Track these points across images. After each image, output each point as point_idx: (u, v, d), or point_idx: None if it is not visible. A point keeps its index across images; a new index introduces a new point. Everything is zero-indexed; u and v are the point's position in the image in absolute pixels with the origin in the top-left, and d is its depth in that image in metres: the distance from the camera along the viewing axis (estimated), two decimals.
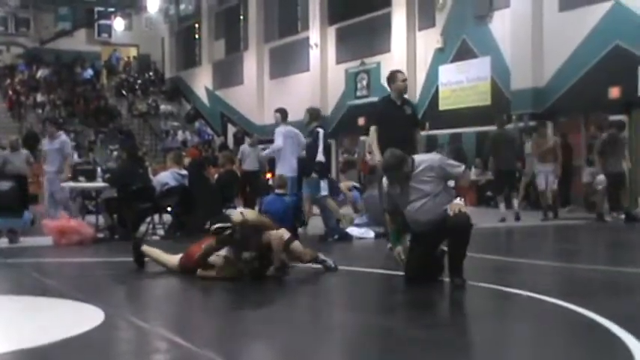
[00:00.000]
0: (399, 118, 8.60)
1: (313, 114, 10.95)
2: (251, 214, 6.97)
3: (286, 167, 11.09)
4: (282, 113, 11.44)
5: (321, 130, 10.60)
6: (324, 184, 10.52)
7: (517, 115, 17.38)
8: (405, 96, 9.11)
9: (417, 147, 8.56)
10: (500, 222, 12.46)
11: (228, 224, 6.56)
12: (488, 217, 12.54)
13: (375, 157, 8.38)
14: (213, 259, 6.59)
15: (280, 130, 11.24)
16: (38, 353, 4.02)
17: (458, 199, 5.95)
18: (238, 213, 6.77)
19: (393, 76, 8.87)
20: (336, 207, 10.99)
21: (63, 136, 12.95)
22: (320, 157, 10.43)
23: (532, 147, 14.13)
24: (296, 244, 6.74)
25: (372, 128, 8.64)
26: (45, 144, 12.93)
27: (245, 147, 15.41)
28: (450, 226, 5.86)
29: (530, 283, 6.29)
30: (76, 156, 28.37)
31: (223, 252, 6.55)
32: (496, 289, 6.02)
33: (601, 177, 12.91)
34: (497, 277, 6.71)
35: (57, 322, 4.97)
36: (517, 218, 12.73)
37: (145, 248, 7.35)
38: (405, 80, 8.92)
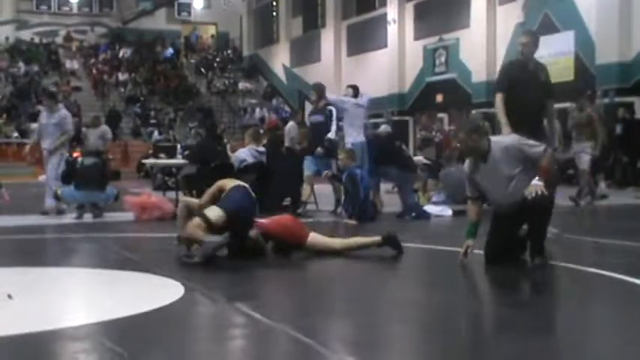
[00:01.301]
0: (529, 84, 7.56)
1: (320, 91, 10.95)
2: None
3: (356, 134, 10.87)
4: (354, 89, 11.26)
5: (334, 109, 10.66)
6: (310, 163, 10.76)
7: (602, 91, 16.85)
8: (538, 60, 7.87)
9: (553, 119, 7.79)
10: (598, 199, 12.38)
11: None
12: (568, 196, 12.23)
13: (503, 129, 7.29)
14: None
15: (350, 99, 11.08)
16: (119, 325, 4.10)
17: (536, 179, 5.78)
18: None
19: None
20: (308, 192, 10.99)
21: (63, 111, 11.43)
22: (332, 134, 10.61)
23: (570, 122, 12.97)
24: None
25: (498, 96, 7.57)
26: (42, 117, 11.37)
27: (292, 125, 14.80)
28: (530, 207, 5.71)
29: (613, 263, 6.09)
30: (156, 133, 29.05)
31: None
32: (578, 269, 5.84)
33: None
34: (580, 257, 6.52)
35: (137, 295, 5.06)
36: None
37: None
38: (521, 43, 7.73)
